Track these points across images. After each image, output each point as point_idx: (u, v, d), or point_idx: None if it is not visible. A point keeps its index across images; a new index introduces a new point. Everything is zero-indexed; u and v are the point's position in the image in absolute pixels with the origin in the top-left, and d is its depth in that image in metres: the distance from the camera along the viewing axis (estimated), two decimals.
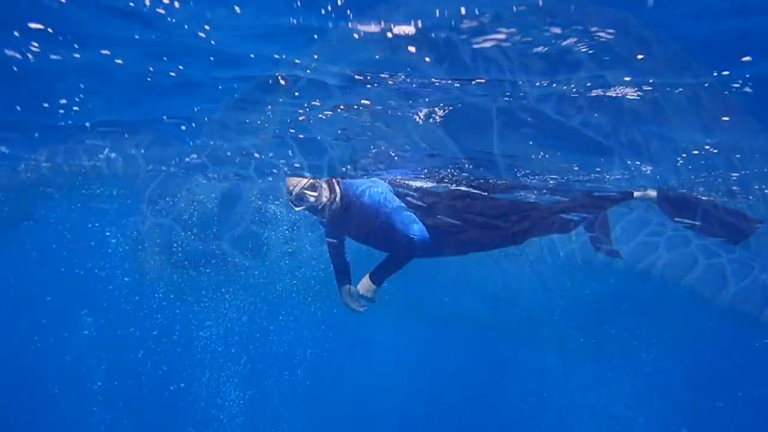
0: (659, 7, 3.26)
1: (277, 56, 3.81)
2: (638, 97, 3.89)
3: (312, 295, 11.46)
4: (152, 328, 18.63)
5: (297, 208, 5.05)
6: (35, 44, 3.82)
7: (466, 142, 5.60)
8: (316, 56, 3.64)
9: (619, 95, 3.90)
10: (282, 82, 4.28)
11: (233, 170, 8.50)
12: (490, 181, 6.78)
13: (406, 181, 6.04)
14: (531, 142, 5.50)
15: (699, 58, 3.60)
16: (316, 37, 3.44)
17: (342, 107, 4.83)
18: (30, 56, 4.13)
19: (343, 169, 6.78)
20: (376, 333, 21.71)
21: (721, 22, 3.05)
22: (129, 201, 11.47)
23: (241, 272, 7.97)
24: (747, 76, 3.75)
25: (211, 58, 3.91)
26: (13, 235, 16.85)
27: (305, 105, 4.89)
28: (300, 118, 5.43)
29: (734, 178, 6.71)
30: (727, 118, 4.21)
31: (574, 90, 3.88)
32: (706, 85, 3.68)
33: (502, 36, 3.31)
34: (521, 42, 3.57)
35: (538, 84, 3.87)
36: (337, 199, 5.02)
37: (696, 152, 5.43)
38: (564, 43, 3.66)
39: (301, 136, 5.87)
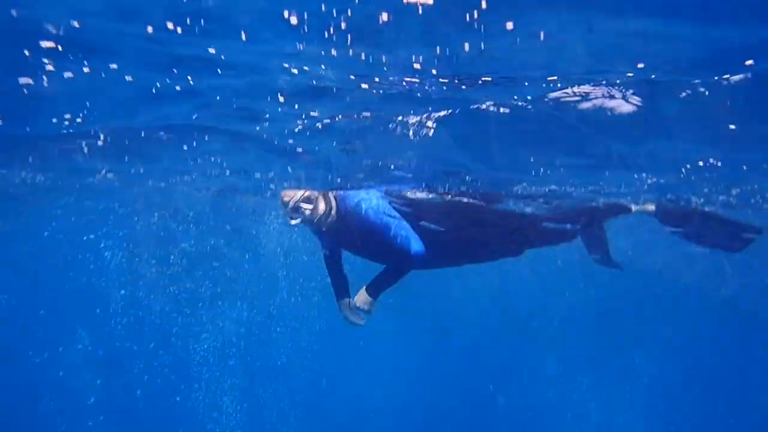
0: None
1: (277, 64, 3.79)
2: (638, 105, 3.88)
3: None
4: (149, 341, 18.54)
5: (293, 221, 5.00)
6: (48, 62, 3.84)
7: (466, 151, 5.56)
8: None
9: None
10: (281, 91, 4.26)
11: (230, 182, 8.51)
12: (486, 192, 6.75)
13: (404, 193, 6.01)
14: (530, 150, 5.47)
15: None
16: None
17: (340, 117, 4.80)
18: (45, 78, 4.17)
19: (339, 180, 6.75)
20: (374, 340, 21.60)
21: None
22: (122, 210, 11.45)
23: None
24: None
25: (219, 71, 3.90)
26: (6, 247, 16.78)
27: (303, 116, 4.85)
28: (297, 129, 5.39)
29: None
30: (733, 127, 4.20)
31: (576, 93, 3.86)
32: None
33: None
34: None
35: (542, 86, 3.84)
36: (333, 211, 4.97)
37: (701, 163, 5.41)
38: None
39: (300, 149, 5.84)
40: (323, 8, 3.12)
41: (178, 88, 4.40)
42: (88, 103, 4.84)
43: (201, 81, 4.24)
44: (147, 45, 3.61)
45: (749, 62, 3.40)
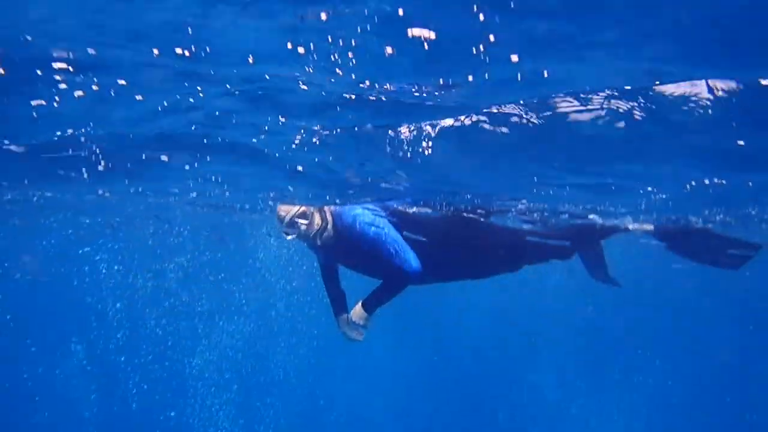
0: None
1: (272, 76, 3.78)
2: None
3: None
4: (145, 354, 18.39)
5: (288, 236, 4.96)
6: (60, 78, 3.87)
7: (466, 168, 5.53)
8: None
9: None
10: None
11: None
12: (483, 206, 6.72)
13: (400, 208, 5.96)
14: (533, 165, 5.45)
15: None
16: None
17: (338, 130, 4.78)
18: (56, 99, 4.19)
19: (335, 195, 6.71)
20: (371, 354, 21.47)
21: None
22: (117, 224, 11.41)
23: None
24: None
25: (227, 86, 3.90)
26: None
27: (302, 129, 4.83)
28: (294, 144, 5.37)
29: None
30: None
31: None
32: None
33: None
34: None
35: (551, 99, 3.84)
36: (329, 226, 4.93)
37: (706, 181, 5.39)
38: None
39: (300, 167, 5.82)
40: (329, 39, 3.17)
41: (183, 104, 4.40)
42: (91, 123, 4.83)
43: (204, 98, 4.22)
44: (155, 67, 3.65)
45: None
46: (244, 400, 17.67)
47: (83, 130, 5.04)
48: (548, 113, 4.02)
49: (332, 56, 3.37)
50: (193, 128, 4.88)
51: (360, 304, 4.86)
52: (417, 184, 6.07)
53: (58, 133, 5.02)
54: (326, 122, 4.65)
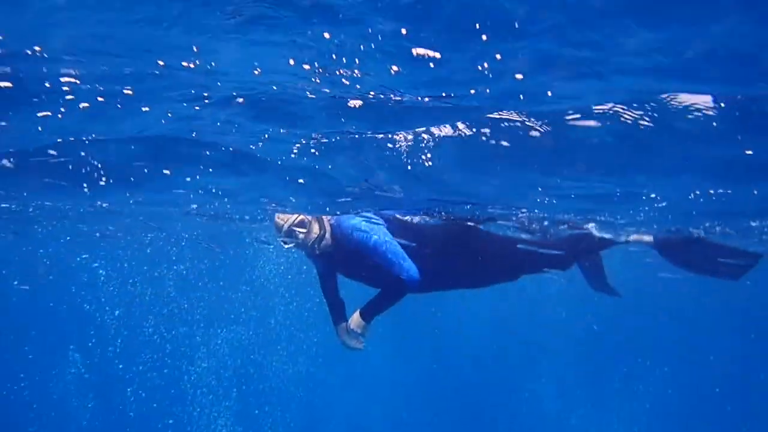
0: None
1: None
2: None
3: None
4: (143, 362, 18.32)
5: (286, 245, 4.95)
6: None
7: (467, 177, 5.50)
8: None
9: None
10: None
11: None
12: (483, 218, 6.71)
13: (398, 216, 5.95)
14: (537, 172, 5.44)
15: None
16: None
17: (338, 138, 4.77)
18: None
19: (334, 203, 6.70)
20: (369, 363, 21.39)
21: None
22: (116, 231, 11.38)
23: None
24: None
25: (233, 93, 3.93)
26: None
27: (302, 140, 4.83)
28: (293, 155, 5.36)
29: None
30: None
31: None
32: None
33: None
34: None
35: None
36: (327, 235, 4.91)
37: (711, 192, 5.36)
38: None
39: (299, 176, 5.80)
40: (333, 57, 3.19)
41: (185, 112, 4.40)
42: (93, 135, 4.83)
43: (208, 107, 4.23)
44: (160, 78, 3.66)
45: None
46: (242, 408, 17.59)
47: (85, 140, 5.04)
48: (552, 122, 4.01)
49: (338, 71, 3.39)
50: (194, 134, 4.87)
51: (358, 312, 4.84)
52: (417, 194, 6.05)
53: (59, 139, 5.01)
54: (327, 130, 4.64)
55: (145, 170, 5.75)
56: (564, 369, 20.84)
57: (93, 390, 18.13)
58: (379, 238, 4.82)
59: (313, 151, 5.16)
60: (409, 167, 5.10)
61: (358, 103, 3.90)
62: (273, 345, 19.13)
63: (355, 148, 4.95)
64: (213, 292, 18.33)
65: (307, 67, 3.36)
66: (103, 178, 5.91)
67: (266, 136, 4.88)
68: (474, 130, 4.28)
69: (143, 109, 4.22)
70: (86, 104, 4.09)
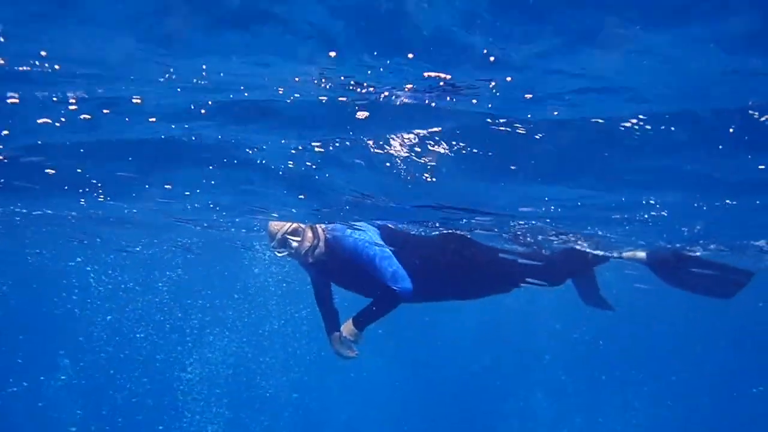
0: None
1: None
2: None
3: None
4: (134, 368, 18.17)
5: (279, 254, 4.90)
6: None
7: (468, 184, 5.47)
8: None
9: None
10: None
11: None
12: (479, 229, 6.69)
13: (391, 226, 5.92)
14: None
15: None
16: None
17: (337, 144, 4.74)
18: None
19: (328, 213, 6.67)
20: (363, 371, 21.30)
21: None
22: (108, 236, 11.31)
23: None
24: None
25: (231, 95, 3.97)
26: None
27: (299, 146, 4.80)
28: (290, 164, 5.32)
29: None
30: None
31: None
32: None
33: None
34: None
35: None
36: (321, 243, 4.87)
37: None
38: None
39: (298, 186, 5.77)
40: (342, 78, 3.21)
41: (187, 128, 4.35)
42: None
43: (207, 115, 4.22)
44: (165, 87, 3.66)
45: None
46: (234, 416, 17.46)
47: (82, 150, 5.01)
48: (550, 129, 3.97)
49: (341, 77, 3.39)
50: (193, 138, 4.84)
51: (351, 320, 4.80)
52: (411, 201, 6.01)
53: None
54: (321, 137, 4.61)
55: (147, 186, 5.71)
56: (557, 378, 20.81)
57: (82, 396, 17.96)
58: (373, 248, 4.79)
59: (308, 163, 5.14)
60: (409, 177, 5.07)
61: (360, 110, 3.85)
62: (266, 353, 19.03)
63: (350, 155, 4.92)
64: (207, 299, 18.24)
65: (315, 82, 3.34)
66: (101, 190, 5.87)
67: (264, 147, 4.86)
68: (472, 134, 4.24)
69: (151, 120, 4.20)
70: (87, 116, 4.08)
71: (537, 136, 4.09)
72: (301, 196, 6.29)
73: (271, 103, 3.95)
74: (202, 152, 5.09)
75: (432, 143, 4.46)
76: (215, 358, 17.48)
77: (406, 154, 4.69)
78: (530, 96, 3.54)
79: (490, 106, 3.75)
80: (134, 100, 3.88)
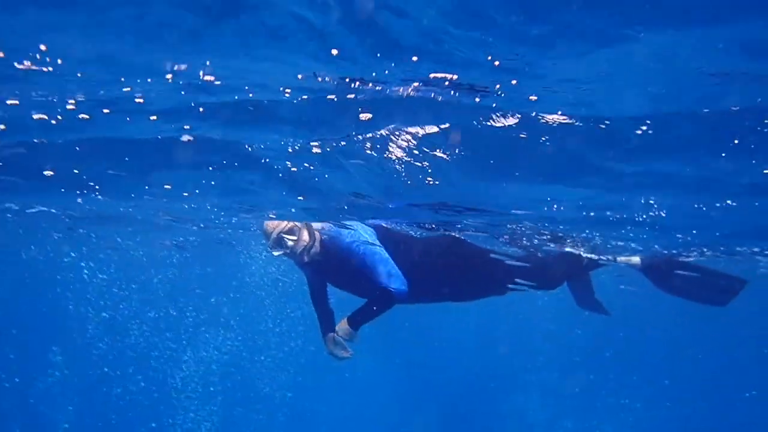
0: None
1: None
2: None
3: None
4: (127, 366, 18.12)
5: (275, 252, 4.89)
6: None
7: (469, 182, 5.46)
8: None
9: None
10: None
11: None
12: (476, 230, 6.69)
13: (385, 225, 5.91)
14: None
15: None
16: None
17: (333, 145, 4.72)
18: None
19: (326, 212, 6.66)
20: (357, 371, 21.29)
21: None
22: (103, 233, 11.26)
23: None
24: None
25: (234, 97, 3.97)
26: None
27: (297, 144, 4.79)
28: (288, 164, 5.31)
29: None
30: None
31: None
32: None
33: None
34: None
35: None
36: (316, 243, 4.86)
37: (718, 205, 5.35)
38: None
39: (291, 183, 5.75)
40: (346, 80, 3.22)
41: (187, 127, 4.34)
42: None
43: (204, 115, 4.21)
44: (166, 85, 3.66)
45: None
46: (228, 414, 17.42)
47: (77, 149, 4.98)
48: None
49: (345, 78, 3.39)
50: (190, 137, 4.82)
51: (346, 319, 4.79)
52: (412, 201, 6.00)
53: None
54: (320, 135, 4.60)
55: (146, 187, 5.68)
56: (550, 381, 20.85)
57: (75, 393, 17.88)
58: (368, 248, 4.77)
59: (306, 164, 5.13)
60: (405, 176, 5.06)
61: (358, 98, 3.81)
62: (261, 352, 18.99)
63: (349, 155, 4.91)
64: (202, 297, 18.20)
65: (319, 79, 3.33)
66: (98, 193, 5.85)
67: (262, 146, 4.85)
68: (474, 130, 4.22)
69: (152, 118, 4.19)
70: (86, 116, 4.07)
71: (543, 139, 4.07)
72: (300, 198, 6.29)
73: (271, 103, 3.95)
74: (199, 151, 5.07)
75: (432, 143, 4.45)
76: (209, 356, 17.44)
77: (406, 154, 4.68)
78: (535, 98, 3.54)
79: (494, 105, 3.75)
80: (136, 100, 3.88)
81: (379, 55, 3.15)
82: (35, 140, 4.87)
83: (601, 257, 5.50)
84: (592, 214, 5.90)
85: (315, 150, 4.81)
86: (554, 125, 3.93)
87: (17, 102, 4.00)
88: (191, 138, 4.73)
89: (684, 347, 20.71)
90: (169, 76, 3.46)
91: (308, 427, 20.15)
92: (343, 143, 4.62)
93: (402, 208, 6.17)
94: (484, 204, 5.90)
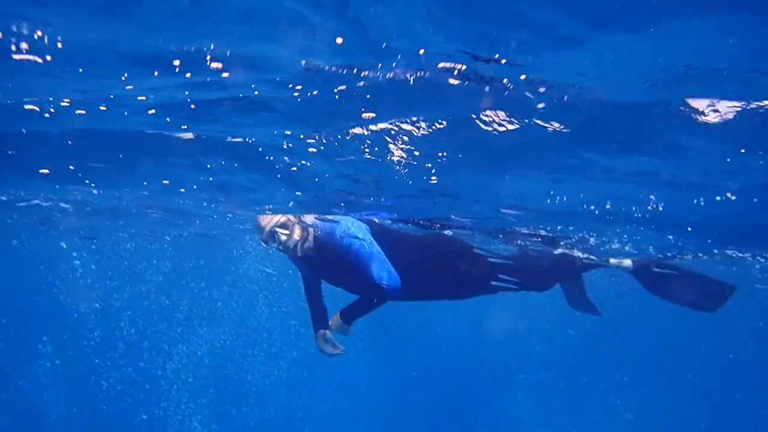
0: None
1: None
2: None
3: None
4: (119, 356, 18.07)
5: (267, 246, 4.85)
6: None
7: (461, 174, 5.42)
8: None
9: None
10: None
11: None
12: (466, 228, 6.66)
13: (378, 221, 5.89)
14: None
15: None
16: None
17: (327, 138, 4.68)
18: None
19: (319, 206, 6.62)
20: (349, 371, 21.28)
21: None
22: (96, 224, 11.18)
23: None
24: None
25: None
26: None
27: (290, 136, 4.74)
28: (286, 159, 5.27)
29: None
30: None
31: None
32: None
33: None
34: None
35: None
36: (309, 238, 4.82)
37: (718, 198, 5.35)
38: None
39: (290, 178, 5.71)
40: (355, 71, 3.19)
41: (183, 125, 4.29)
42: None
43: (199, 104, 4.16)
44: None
45: None
46: (218, 406, 17.40)
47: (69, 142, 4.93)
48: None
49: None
50: (184, 128, 4.78)
51: (338, 314, 4.77)
52: (405, 194, 5.97)
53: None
54: (314, 128, 4.56)
55: (145, 183, 5.62)
56: (542, 380, 20.92)
57: (65, 383, 17.83)
58: (361, 243, 4.74)
59: (302, 160, 5.09)
60: (401, 166, 5.02)
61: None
62: (253, 346, 18.96)
63: (344, 147, 4.87)
64: (195, 290, 18.15)
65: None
66: (93, 188, 5.80)
67: (254, 139, 4.80)
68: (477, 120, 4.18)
69: (150, 112, 4.15)
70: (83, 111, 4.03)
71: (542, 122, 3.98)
72: (298, 193, 6.25)
73: (268, 95, 3.91)
74: (192, 144, 5.02)
75: (429, 133, 4.40)
76: (201, 349, 17.41)
77: (402, 146, 4.65)
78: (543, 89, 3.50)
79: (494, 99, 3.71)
80: (127, 88, 3.83)
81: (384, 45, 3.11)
82: (23, 130, 4.83)
83: (593, 258, 5.49)
84: (592, 203, 5.83)
85: (311, 144, 4.78)
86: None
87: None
88: (184, 127, 4.70)
89: (676, 347, 20.80)
90: (176, 62, 3.40)
91: (298, 422, 20.15)
92: (339, 135, 4.57)
93: (397, 201, 6.14)
94: (480, 195, 5.88)
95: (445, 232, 6.85)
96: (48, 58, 3.37)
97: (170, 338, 17.47)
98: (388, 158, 4.94)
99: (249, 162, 5.46)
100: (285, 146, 4.97)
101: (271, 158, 5.29)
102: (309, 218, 5.00)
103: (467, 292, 5.30)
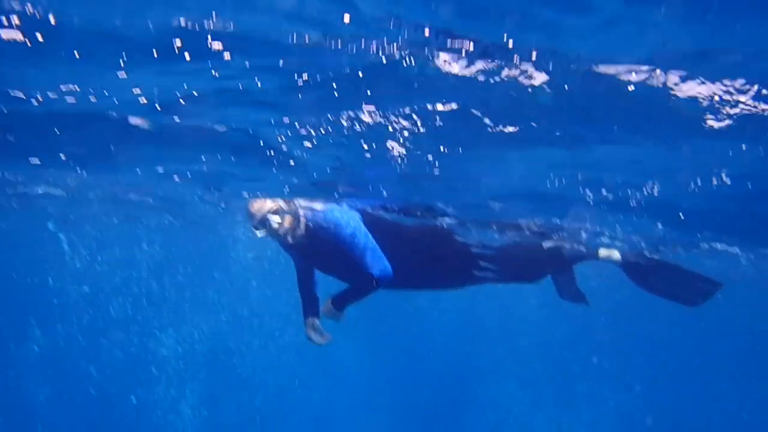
0: None
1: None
2: None
3: None
4: (107, 340, 18.03)
5: (258, 232, 4.81)
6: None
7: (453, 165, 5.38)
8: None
9: None
10: None
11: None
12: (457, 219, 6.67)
13: (369, 210, 5.88)
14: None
15: None
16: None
17: (324, 128, 4.64)
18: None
19: (313, 192, 6.59)
20: (340, 363, 21.35)
21: None
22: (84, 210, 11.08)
23: None
24: None
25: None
26: None
27: (287, 118, 4.71)
28: (283, 149, 5.22)
29: None
30: None
31: None
32: None
33: None
34: None
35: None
36: (301, 225, 4.80)
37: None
38: None
39: (282, 162, 5.67)
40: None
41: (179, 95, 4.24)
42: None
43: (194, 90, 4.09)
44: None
45: None
46: (209, 392, 17.46)
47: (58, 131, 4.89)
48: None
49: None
50: (178, 120, 4.72)
51: (329, 300, 4.78)
52: (398, 181, 5.96)
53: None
54: (309, 114, 4.52)
55: (139, 171, 5.56)
56: (530, 370, 21.09)
57: (53, 366, 17.76)
58: (354, 230, 4.73)
59: (298, 149, 5.06)
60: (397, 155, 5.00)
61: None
62: (244, 332, 18.98)
63: (336, 134, 4.84)
64: (186, 276, 18.10)
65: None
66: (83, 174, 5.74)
67: (251, 129, 4.76)
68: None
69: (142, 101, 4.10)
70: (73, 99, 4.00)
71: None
72: (295, 181, 6.22)
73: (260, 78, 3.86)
74: (184, 130, 4.97)
75: (426, 119, 4.37)
76: (191, 334, 17.41)
77: (399, 131, 4.62)
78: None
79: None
80: (120, 75, 3.78)
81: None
82: (5, 110, 4.76)
83: (583, 250, 5.52)
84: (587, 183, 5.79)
85: (299, 128, 4.75)
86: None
87: None
88: (177, 117, 4.65)
89: (663, 338, 21.03)
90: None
91: (288, 409, 20.24)
92: (332, 118, 4.53)
93: (389, 188, 6.13)
94: (476, 182, 5.88)
95: (439, 222, 6.85)
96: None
97: (160, 322, 17.45)
98: (383, 145, 4.92)
99: (241, 149, 5.42)
100: (278, 134, 4.94)
101: (262, 143, 5.25)
102: (301, 205, 4.98)
103: (458, 281, 5.32)
